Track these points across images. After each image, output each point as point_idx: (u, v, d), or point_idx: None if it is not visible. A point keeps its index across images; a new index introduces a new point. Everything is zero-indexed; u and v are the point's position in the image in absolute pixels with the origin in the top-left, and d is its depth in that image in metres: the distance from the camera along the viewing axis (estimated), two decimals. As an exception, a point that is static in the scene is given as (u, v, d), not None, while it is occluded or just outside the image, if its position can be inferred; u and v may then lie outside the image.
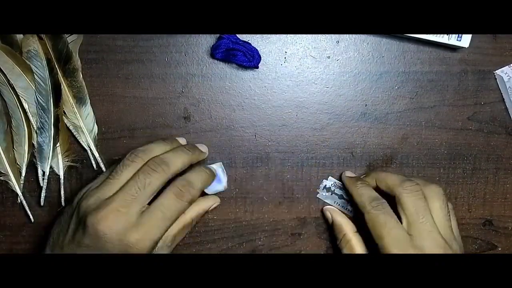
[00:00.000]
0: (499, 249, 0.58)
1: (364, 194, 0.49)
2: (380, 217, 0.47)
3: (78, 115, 0.54)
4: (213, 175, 0.51)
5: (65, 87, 0.53)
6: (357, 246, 0.51)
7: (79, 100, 0.54)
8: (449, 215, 0.48)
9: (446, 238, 0.46)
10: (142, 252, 0.44)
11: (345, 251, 0.52)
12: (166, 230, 0.46)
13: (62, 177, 0.54)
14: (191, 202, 0.47)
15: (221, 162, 0.54)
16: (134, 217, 0.44)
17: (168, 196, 0.45)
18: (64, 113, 0.54)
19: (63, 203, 0.55)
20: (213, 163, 0.53)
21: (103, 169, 0.54)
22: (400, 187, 0.48)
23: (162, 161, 0.46)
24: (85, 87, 0.54)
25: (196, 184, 0.47)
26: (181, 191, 0.46)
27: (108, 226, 0.43)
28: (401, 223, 0.47)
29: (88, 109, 0.54)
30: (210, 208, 0.53)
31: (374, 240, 0.47)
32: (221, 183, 0.53)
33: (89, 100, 0.54)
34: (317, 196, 0.56)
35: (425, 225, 0.46)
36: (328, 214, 0.55)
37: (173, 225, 0.47)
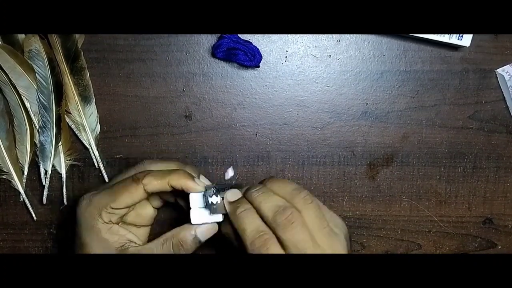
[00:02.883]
0: (499, 247, 0.58)
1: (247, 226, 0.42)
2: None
3: (82, 114, 0.54)
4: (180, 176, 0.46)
5: (72, 85, 0.53)
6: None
7: (84, 99, 0.54)
8: (323, 215, 0.44)
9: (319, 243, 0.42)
10: (91, 222, 0.45)
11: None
12: (110, 200, 0.45)
13: (64, 175, 0.55)
14: (141, 184, 0.45)
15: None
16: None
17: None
18: (68, 111, 0.54)
19: (65, 202, 0.55)
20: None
21: (102, 168, 0.55)
22: (274, 219, 0.42)
23: (148, 174, 0.46)
24: (91, 86, 0.54)
25: (154, 173, 0.45)
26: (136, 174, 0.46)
27: (79, 209, 0.46)
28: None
29: (92, 108, 0.54)
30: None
31: None
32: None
33: (94, 99, 0.54)
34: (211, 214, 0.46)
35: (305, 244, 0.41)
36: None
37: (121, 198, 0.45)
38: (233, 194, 0.44)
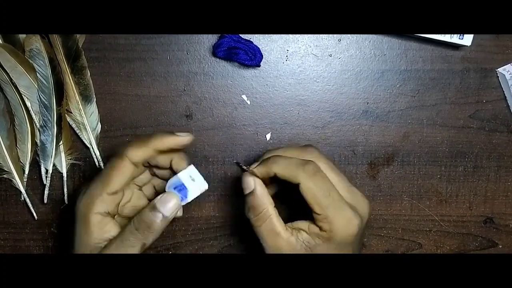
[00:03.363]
0: (500, 246, 0.58)
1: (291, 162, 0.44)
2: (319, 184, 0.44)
3: (83, 113, 0.54)
4: None
5: (73, 84, 0.53)
6: (278, 223, 0.45)
7: (85, 98, 0.54)
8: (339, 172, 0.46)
9: (352, 204, 0.45)
10: (87, 216, 0.45)
11: (264, 227, 0.45)
12: (104, 186, 0.45)
13: (65, 175, 0.55)
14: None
15: (191, 166, 0.46)
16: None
17: None
18: (69, 110, 0.54)
19: (66, 201, 0.55)
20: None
21: (103, 167, 0.55)
22: (301, 173, 0.44)
23: (129, 146, 0.46)
24: (92, 86, 0.54)
25: (134, 143, 0.46)
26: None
27: (77, 201, 0.46)
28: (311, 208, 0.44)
29: (93, 107, 0.54)
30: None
31: (313, 209, 0.44)
32: (197, 186, 0.46)
33: (95, 99, 0.54)
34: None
35: (334, 202, 0.44)
36: (251, 183, 0.45)
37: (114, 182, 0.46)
38: (248, 179, 0.45)
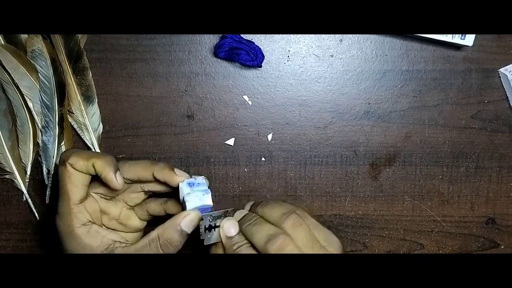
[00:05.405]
0: (502, 247, 0.58)
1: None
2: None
3: (85, 113, 0.54)
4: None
5: (74, 85, 0.53)
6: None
7: (87, 99, 0.54)
8: (314, 237, 0.44)
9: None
10: (68, 235, 0.44)
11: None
12: (66, 201, 0.44)
13: (66, 175, 0.55)
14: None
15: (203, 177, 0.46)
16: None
17: None
18: (71, 111, 0.54)
19: (68, 201, 0.55)
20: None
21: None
22: (266, 249, 0.42)
23: (73, 154, 0.45)
24: (94, 86, 0.54)
25: (80, 153, 0.45)
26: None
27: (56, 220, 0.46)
28: None
29: (94, 108, 0.54)
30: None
31: None
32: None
33: (96, 99, 0.54)
34: (205, 244, 0.46)
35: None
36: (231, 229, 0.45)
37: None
38: (229, 227, 0.45)
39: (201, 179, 0.46)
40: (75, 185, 0.44)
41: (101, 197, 0.47)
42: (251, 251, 0.43)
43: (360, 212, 0.57)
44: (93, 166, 0.44)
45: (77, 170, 0.44)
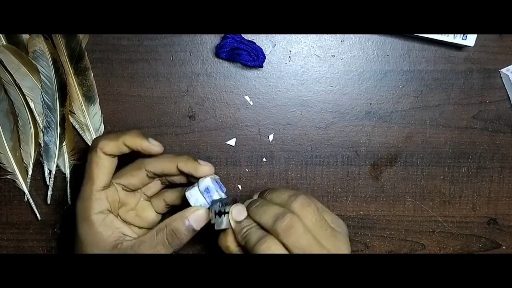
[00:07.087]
0: (504, 247, 0.58)
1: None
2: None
3: (86, 114, 0.54)
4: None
5: (76, 85, 0.53)
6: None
7: (88, 99, 0.54)
8: (322, 217, 0.44)
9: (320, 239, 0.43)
10: (89, 216, 0.45)
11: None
12: (90, 185, 0.45)
13: (68, 175, 0.55)
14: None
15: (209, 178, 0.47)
16: None
17: None
18: (72, 111, 0.54)
19: (69, 201, 0.55)
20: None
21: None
22: (275, 227, 0.42)
23: (101, 138, 0.46)
24: (95, 87, 0.54)
25: (108, 135, 0.46)
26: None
27: (77, 201, 0.46)
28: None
29: (96, 108, 0.54)
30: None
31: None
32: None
33: (98, 99, 0.54)
34: (216, 229, 0.45)
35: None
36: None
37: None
38: (238, 212, 0.44)
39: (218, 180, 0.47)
40: (101, 171, 0.45)
41: (122, 188, 0.48)
42: (260, 233, 0.42)
43: (361, 212, 0.57)
44: (124, 144, 0.45)
45: (108, 154, 0.45)
